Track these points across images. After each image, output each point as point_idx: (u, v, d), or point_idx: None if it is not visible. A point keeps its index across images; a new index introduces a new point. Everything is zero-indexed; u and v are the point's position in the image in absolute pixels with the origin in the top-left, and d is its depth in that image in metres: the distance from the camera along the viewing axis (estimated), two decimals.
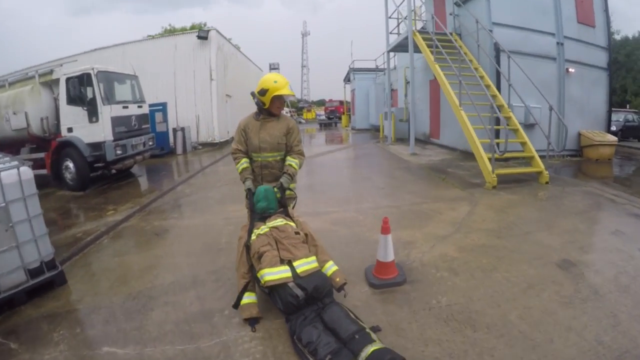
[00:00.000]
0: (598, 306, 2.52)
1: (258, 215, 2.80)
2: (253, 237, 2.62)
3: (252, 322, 2.46)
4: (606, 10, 9.38)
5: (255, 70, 23.18)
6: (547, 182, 6.05)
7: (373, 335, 2.05)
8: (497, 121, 6.75)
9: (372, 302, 2.67)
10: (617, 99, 22.43)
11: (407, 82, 14.56)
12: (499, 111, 6.43)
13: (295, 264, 2.43)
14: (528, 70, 6.57)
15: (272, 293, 2.38)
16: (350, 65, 23.19)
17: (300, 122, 37.91)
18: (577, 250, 3.50)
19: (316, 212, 4.97)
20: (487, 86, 7.39)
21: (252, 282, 2.55)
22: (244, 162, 2.95)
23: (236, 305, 2.55)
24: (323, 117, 30.92)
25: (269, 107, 2.83)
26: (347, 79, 25.65)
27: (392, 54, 12.63)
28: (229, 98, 15.65)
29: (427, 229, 4.13)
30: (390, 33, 11.46)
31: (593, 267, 3.16)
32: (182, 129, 12.10)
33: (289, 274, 2.36)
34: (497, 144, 5.98)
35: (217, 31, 14.01)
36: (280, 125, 2.91)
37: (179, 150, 12.00)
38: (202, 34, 13.31)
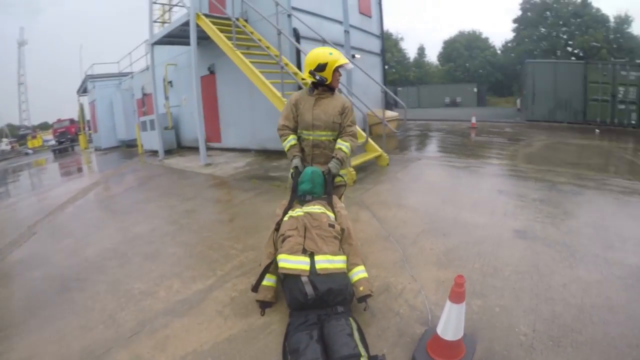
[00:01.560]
0: (591, 249, 3.42)
1: (299, 197, 2.94)
2: (286, 217, 2.77)
3: (263, 305, 2.62)
4: (380, 2, 12.29)
5: None
6: (388, 164, 6.82)
7: None
8: None
9: None
10: None
11: (169, 82, 13.40)
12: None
13: (317, 257, 2.47)
14: None
15: (285, 282, 2.48)
16: (88, 72, 20.08)
17: (27, 154, 31.63)
18: (509, 218, 4.17)
19: (187, 299, 2.99)
20: (295, 74, 7.56)
21: (275, 264, 2.58)
22: (292, 139, 3.11)
23: (255, 288, 2.65)
24: (53, 143, 28.21)
25: (331, 81, 2.98)
26: (82, 90, 22.66)
27: (142, 52, 11.10)
28: None
29: (373, 258, 3.48)
30: (154, 22, 9.92)
31: (536, 226, 3.90)
32: None
33: (307, 267, 2.42)
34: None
35: None
36: (336, 103, 3.05)
37: None
38: None
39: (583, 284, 2.80)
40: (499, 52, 37.86)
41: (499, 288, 2.78)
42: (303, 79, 7.11)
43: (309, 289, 2.30)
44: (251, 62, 7.28)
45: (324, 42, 7.52)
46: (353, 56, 10.13)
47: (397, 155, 8.18)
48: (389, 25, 50.57)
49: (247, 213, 5.08)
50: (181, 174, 8.45)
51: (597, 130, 14.13)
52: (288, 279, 2.42)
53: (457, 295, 1.98)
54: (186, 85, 10.46)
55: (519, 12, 34.29)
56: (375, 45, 11.85)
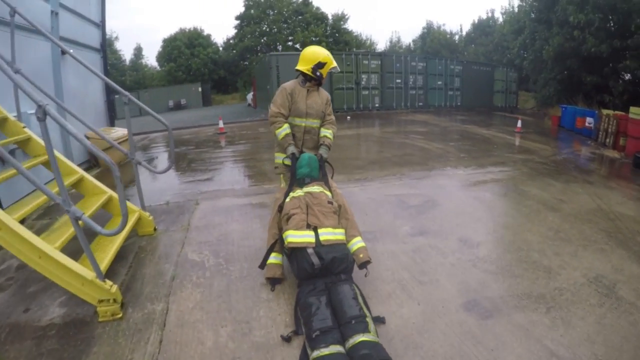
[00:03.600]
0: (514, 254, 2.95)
1: (298, 180, 3.40)
2: (287, 199, 3.21)
3: (273, 281, 3.03)
4: None
5: None
6: (155, 229, 4.39)
7: (370, 326, 2.31)
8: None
9: None
10: None
11: None
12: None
13: (320, 231, 2.91)
14: (17, 51, 4.40)
15: (291, 256, 2.88)
16: None
17: None
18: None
19: None
20: None
21: (280, 242, 3.03)
22: (287, 127, 3.59)
23: (262, 265, 3.10)
24: None
25: (325, 78, 3.65)
26: None
27: None
28: None
29: None
30: None
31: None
32: None
33: (312, 239, 2.84)
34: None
35: None
36: (322, 95, 3.75)
37: None
38: None
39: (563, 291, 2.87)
40: (221, 48, 38.99)
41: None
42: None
43: (315, 259, 2.69)
44: None
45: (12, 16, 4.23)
46: (63, 52, 6.63)
47: (152, 204, 5.05)
48: None
49: None
50: None
51: (348, 117, 15.91)
52: (295, 252, 2.83)
53: None
54: None
55: (242, 9, 36.14)
56: (94, 36, 8.87)
